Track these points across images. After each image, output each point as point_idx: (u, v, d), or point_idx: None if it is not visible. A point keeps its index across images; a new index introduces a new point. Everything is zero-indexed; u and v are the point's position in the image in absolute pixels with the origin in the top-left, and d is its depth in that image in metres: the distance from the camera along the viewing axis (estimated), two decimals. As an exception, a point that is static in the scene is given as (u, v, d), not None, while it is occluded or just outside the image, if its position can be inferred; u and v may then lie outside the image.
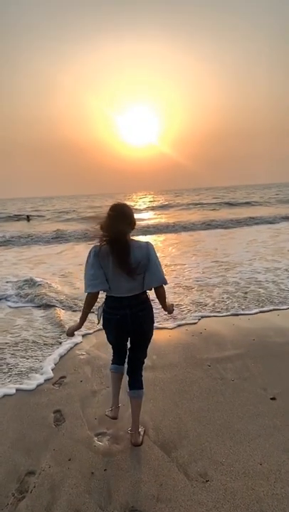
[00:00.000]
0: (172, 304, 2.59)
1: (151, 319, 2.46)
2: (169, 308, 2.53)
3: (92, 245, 2.34)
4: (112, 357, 2.73)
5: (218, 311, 5.18)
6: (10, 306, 5.93)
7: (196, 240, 13.27)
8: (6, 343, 4.33)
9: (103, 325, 2.49)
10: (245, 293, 6.00)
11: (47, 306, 5.76)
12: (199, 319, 4.90)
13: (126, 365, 2.65)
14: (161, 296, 2.44)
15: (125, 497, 2.07)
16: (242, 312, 5.11)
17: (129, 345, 2.58)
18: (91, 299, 2.36)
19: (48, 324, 5.00)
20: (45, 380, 3.43)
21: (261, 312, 5.09)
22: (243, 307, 5.30)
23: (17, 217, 29.45)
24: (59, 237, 15.40)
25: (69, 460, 2.38)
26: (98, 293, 2.36)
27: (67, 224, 22.55)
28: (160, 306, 2.51)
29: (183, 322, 4.80)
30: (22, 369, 3.67)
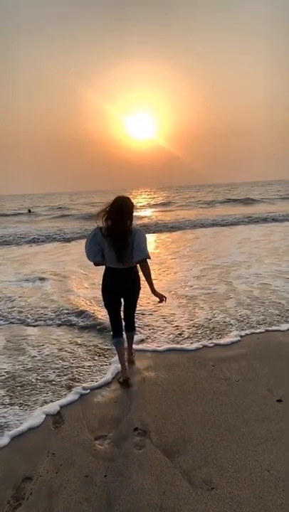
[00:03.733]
0: (162, 295, 3.10)
1: (138, 284, 3.17)
2: (157, 293, 3.07)
3: (96, 226, 3.00)
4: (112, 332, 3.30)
5: (246, 330, 4.28)
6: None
7: (191, 239, 12.79)
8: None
9: (102, 289, 3.15)
10: (263, 303, 5.20)
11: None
12: (239, 340, 4.00)
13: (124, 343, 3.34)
14: (145, 271, 3.03)
15: (126, 505, 1.97)
16: (274, 328, 4.29)
17: (123, 314, 3.33)
18: (96, 263, 3.12)
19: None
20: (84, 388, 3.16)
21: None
22: (273, 325, 4.39)
23: (16, 212, 30.06)
24: (54, 235, 14.93)
25: (68, 465, 2.28)
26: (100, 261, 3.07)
27: (66, 221, 22.44)
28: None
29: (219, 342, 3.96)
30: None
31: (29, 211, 31.41)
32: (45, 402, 2.97)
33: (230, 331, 4.25)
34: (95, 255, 3.02)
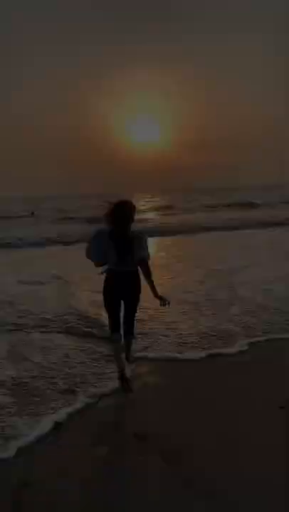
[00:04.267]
0: (165, 298, 3.09)
1: (139, 287, 3.17)
2: (159, 296, 3.07)
3: (99, 227, 3.09)
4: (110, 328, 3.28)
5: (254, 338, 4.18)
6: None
7: (193, 243, 12.67)
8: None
9: (103, 291, 3.17)
10: (268, 310, 5.08)
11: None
12: (244, 349, 3.92)
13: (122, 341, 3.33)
14: (145, 272, 3.07)
15: (126, 513, 1.94)
16: (280, 336, 4.19)
17: (122, 318, 3.29)
18: (97, 264, 3.14)
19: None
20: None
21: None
22: (279, 333, 4.29)
23: (19, 215, 30.00)
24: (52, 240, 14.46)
25: (66, 472, 2.24)
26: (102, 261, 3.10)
27: (69, 224, 22.37)
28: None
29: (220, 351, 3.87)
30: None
31: (32, 213, 31.18)
32: (53, 410, 2.88)
33: (235, 340, 4.13)
34: (97, 256, 3.07)
